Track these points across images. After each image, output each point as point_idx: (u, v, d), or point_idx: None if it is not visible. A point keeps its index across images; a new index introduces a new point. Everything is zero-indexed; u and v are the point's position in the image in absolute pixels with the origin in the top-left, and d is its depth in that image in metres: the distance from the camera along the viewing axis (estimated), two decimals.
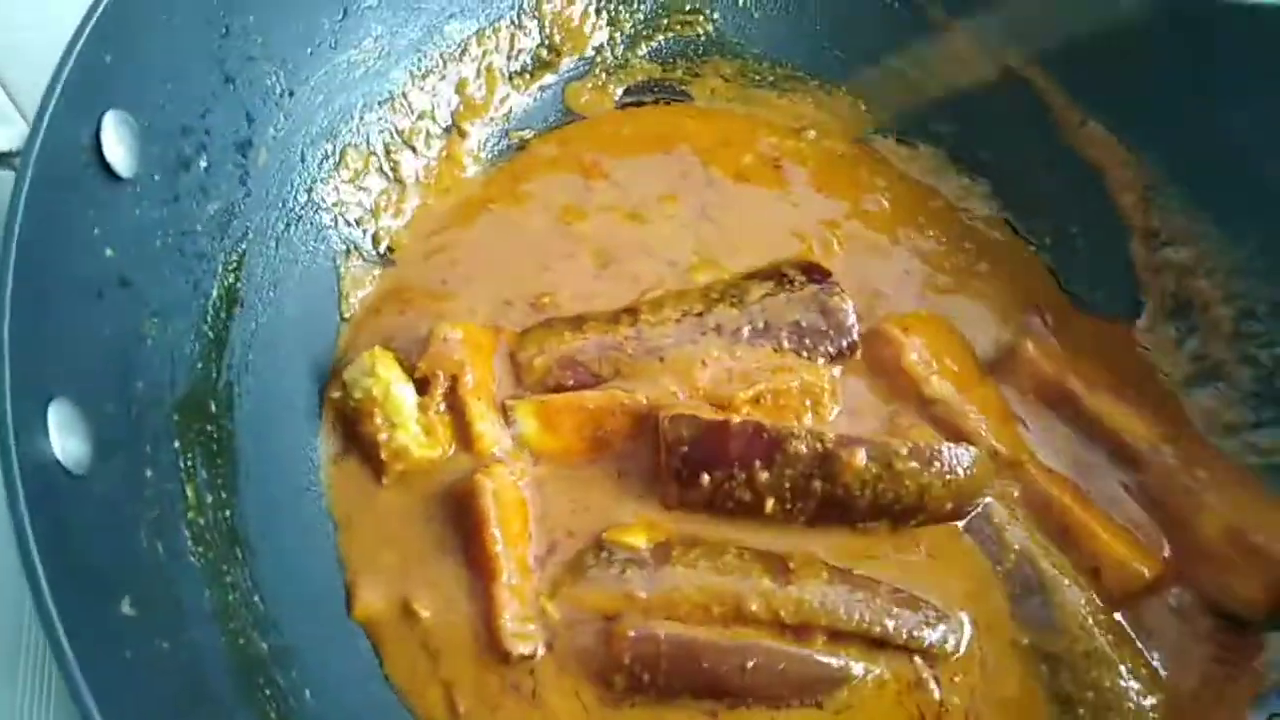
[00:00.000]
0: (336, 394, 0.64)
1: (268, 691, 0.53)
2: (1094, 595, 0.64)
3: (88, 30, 0.51)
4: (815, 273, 0.71)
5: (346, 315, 0.69)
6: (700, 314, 0.69)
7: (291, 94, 0.66)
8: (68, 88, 0.49)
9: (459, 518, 0.63)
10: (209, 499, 0.56)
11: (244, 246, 0.63)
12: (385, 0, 0.70)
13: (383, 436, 0.63)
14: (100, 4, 0.51)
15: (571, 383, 0.67)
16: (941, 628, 0.62)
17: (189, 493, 0.55)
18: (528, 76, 0.79)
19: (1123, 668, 0.62)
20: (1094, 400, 0.68)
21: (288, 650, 0.56)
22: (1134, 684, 0.61)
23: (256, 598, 0.56)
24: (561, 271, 0.72)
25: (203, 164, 0.60)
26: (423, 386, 0.64)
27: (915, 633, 0.61)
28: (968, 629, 0.63)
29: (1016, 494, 0.67)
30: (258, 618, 0.55)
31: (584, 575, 0.62)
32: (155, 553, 0.50)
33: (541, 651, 0.60)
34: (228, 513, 0.57)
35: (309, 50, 0.67)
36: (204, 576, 0.53)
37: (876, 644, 0.61)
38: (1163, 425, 0.67)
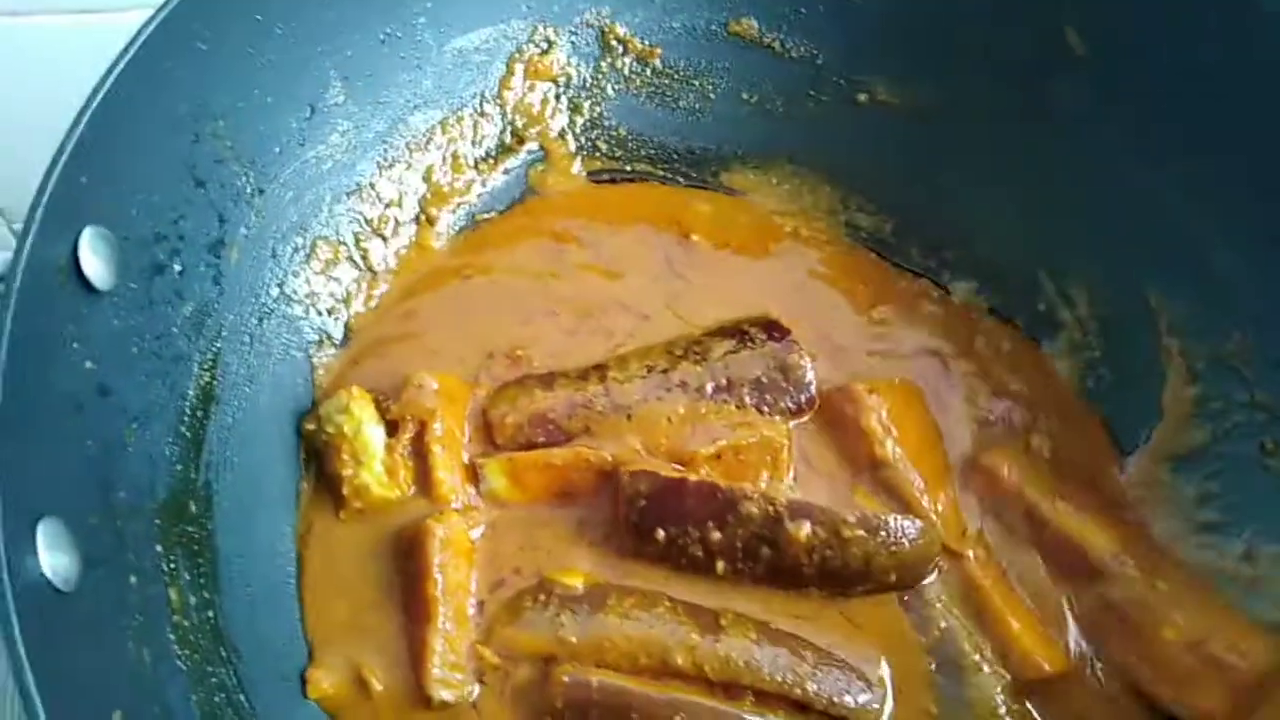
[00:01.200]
0: (310, 426, 0.68)
1: None
2: (1009, 683, 0.66)
3: (65, 154, 0.52)
4: (775, 330, 0.74)
5: (319, 401, 0.71)
6: (665, 370, 0.72)
7: (262, 192, 0.68)
8: (46, 211, 0.51)
9: (406, 561, 0.65)
10: (192, 600, 0.57)
11: (219, 344, 0.65)
12: (351, 96, 0.72)
13: (347, 472, 0.66)
14: (76, 129, 0.53)
15: (542, 439, 0.69)
16: (864, 695, 0.64)
17: (173, 595, 0.56)
18: (492, 161, 0.81)
19: None
20: (1053, 510, 0.70)
21: None
22: None
23: (242, 696, 0.57)
24: (537, 327, 0.75)
25: (177, 268, 0.62)
26: (392, 429, 0.67)
27: (837, 699, 0.63)
28: (890, 700, 0.65)
29: (945, 568, 0.69)
30: (243, 716, 0.57)
31: (520, 616, 0.65)
32: (142, 661, 0.51)
33: (475, 694, 0.63)
34: (211, 613, 0.58)
35: (278, 149, 0.69)
36: (190, 680, 0.54)
37: (801, 708, 0.63)
38: (1123, 535, 0.69)
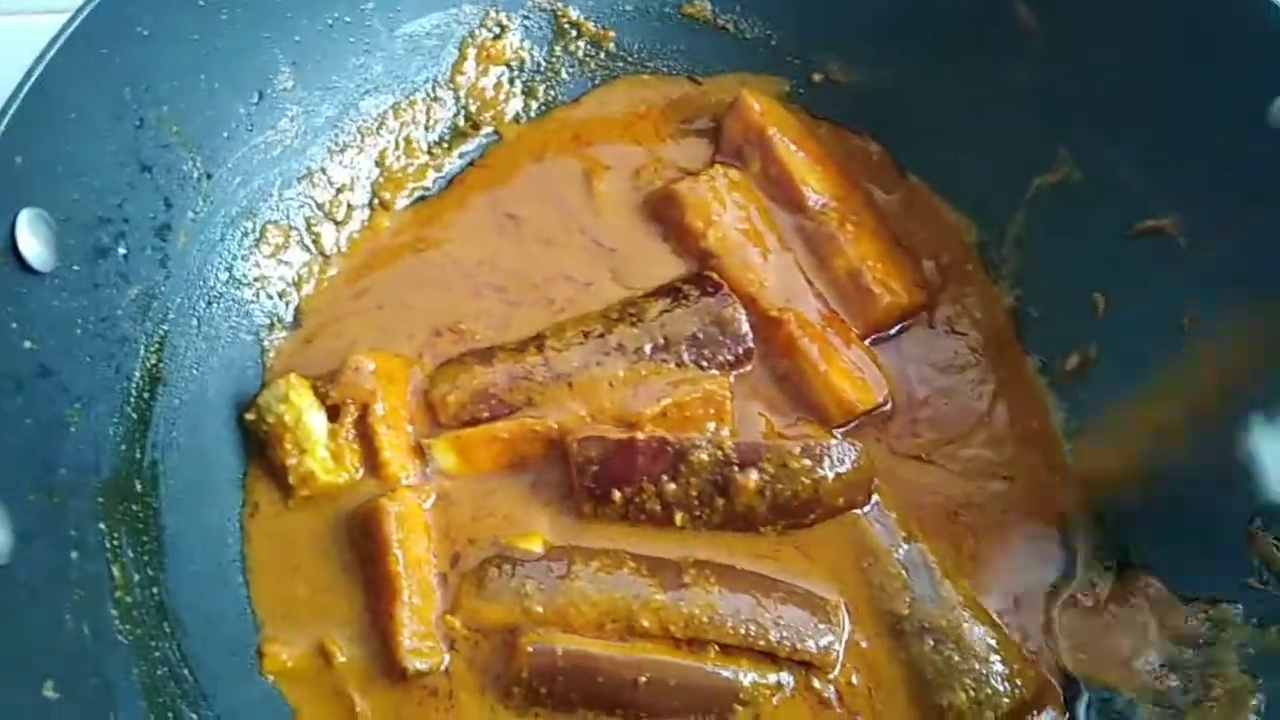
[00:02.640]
0: (251, 416, 0.68)
1: None
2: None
3: None
4: (708, 285, 0.75)
5: (268, 383, 0.71)
6: (602, 335, 0.73)
7: (209, 177, 0.69)
8: None
9: (363, 540, 0.66)
10: (136, 577, 0.58)
11: (165, 327, 0.65)
12: (300, 81, 0.73)
13: (291, 461, 0.66)
14: (9, 109, 0.54)
15: (486, 415, 0.70)
16: (825, 638, 0.65)
17: (115, 572, 0.57)
18: (446, 145, 0.82)
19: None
20: (786, 152, 0.80)
21: None
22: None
23: (185, 670, 0.58)
24: (483, 300, 0.76)
25: (121, 251, 0.62)
26: (334, 414, 0.68)
27: (800, 644, 0.64)
28: (846, 624, 0.67)
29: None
30: (187, 690, 0.57)
31: (485, 588, 0.66)
32: (80, 634, 0.52)
33: (446, 662, 0.64)
34: (155, 589, 0.59)
35: (225, 134, 0.69)
36: (132, 654, 0.55)
37: (765, 655, 0.64)
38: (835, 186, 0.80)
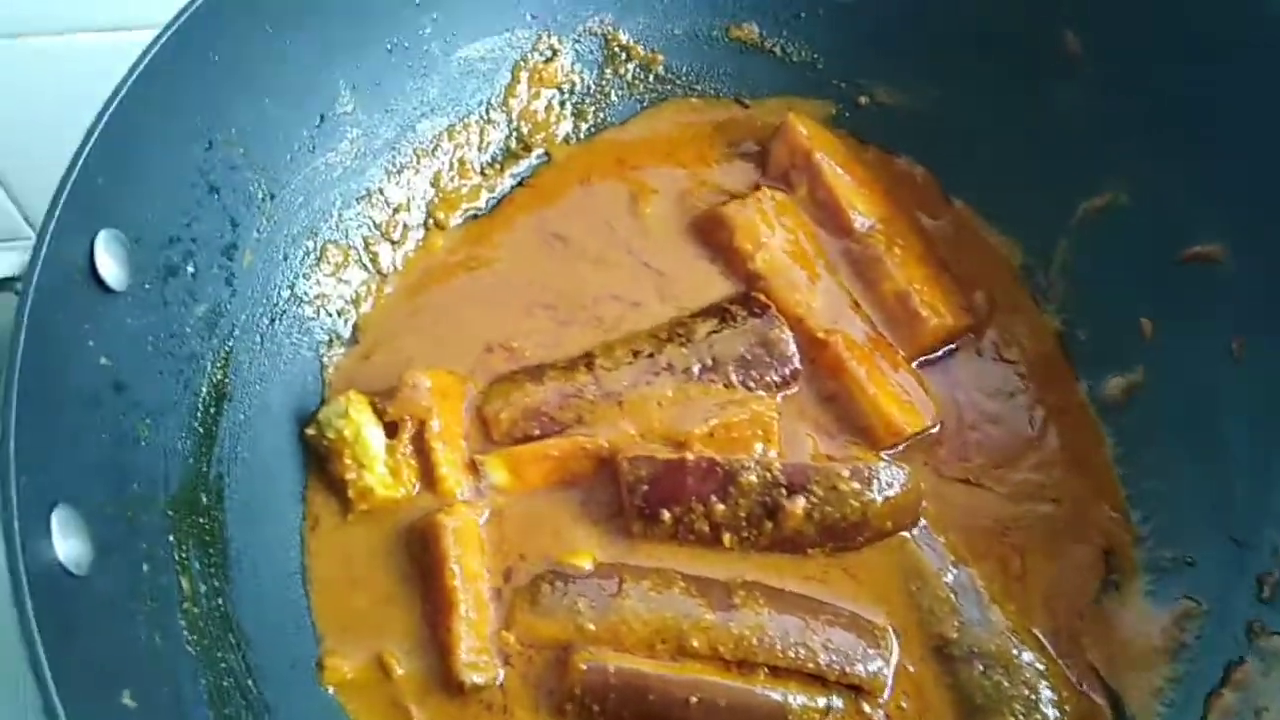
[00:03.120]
0: (311, 431, 0.69)
1: None
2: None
3: (82, 157, 0.55)
4: (755, 306, 0.76)
5: (328, 399, 0.73)
6: (651, 355, 0.74)
7: (273, 197, 0.70)
8: (64, 213, 0.53)
9: (421, 555, 0.67)
10: (203, 588, 0.59)
11: (231, 343, 0.67)
12: (360, 105, 0.75)
13: (350, 476, 0.68)
14: (94, 132, 0.56)
15: (537, 432, 0.71)
16: (875, 664, 0.65)
17: (184, 584, 0.58)
18: (498, 166, 0.83)
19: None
20: (833, 176, 0.81)
21: None
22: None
23: (250, 681, 0.59)
24: (534, 319, 0.77)
25: (190, 270, 0.64)
26: (392, 430, 0.69)
27: (849, 669, 0.64)
28: (895, 648, 0.67)
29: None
30: (251, 701, 0.58)
31: (538, 604, 0.67)
32: (153, 644, 0.54)
33: (501, 677, 0.65)
34: (220, 600, 0.60)
35: (289, 156, 0.71)
36: (200, 664, 0.56)
37: (814, 679, 0.64)
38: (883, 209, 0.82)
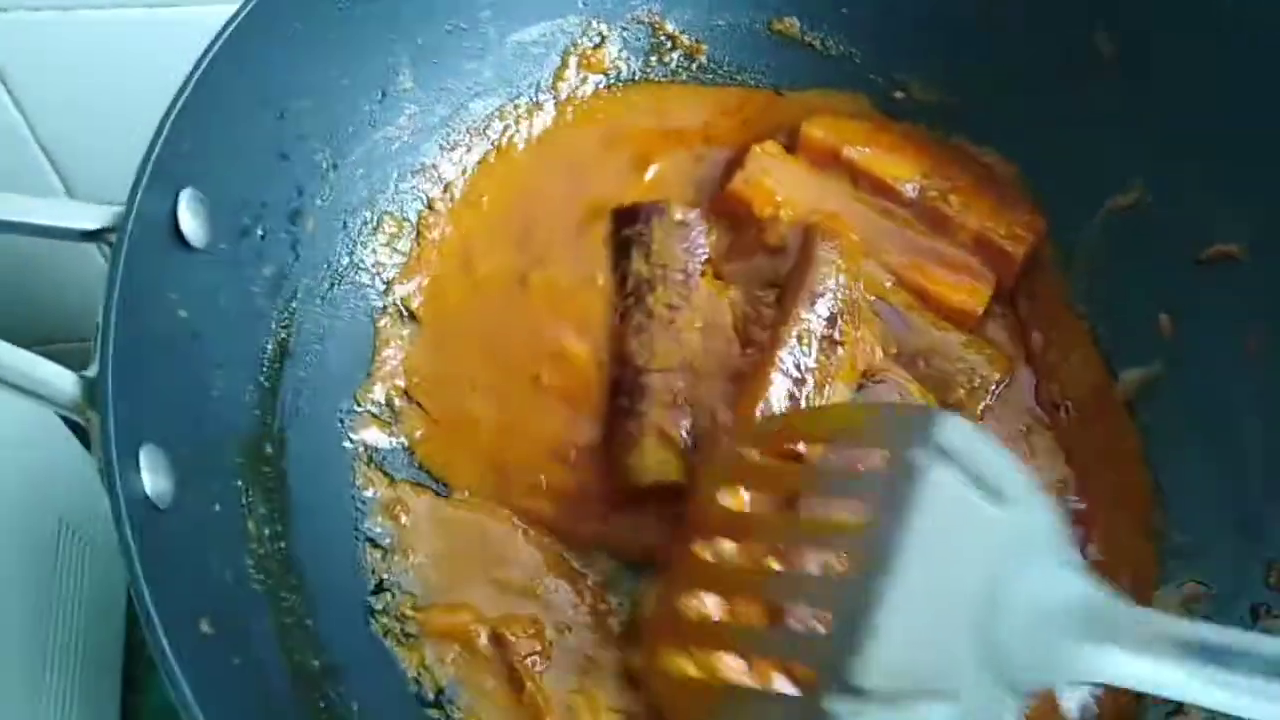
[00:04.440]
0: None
1: (321, 704, 0.59)
2: None
3: (170, 119, 0.58)
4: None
5: (374, 370, 0.76)
6: None
7: (336, 167, 0.74)
8: (153, 172, 0.56)
9: None
10: (266, 532, 0.63)
11: (294, 305, 0.70)
12: (418, 83, 0.78)
13: None
14: (181, 96, 0.59)
15: None
16: None
17: (250, 526, 0.61)
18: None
19: None
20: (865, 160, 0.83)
21: (336, 668, 0.62)
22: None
23: (309, 620, 0.62)
24: None
25: (259, 232, 0.67)
26: None
27: None
28: None
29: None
30: (309, 638, 0.62)
31: None
32: (224, 579, 0.57)
33: None
34: (283, 544, 0.63)
35: (351, 128, 0.74)
36: (265, 601, 0.60)
37: None
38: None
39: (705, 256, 0.79)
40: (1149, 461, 0.77)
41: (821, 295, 0.74)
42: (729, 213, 0.83)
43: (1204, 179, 0.77)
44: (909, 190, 0.83)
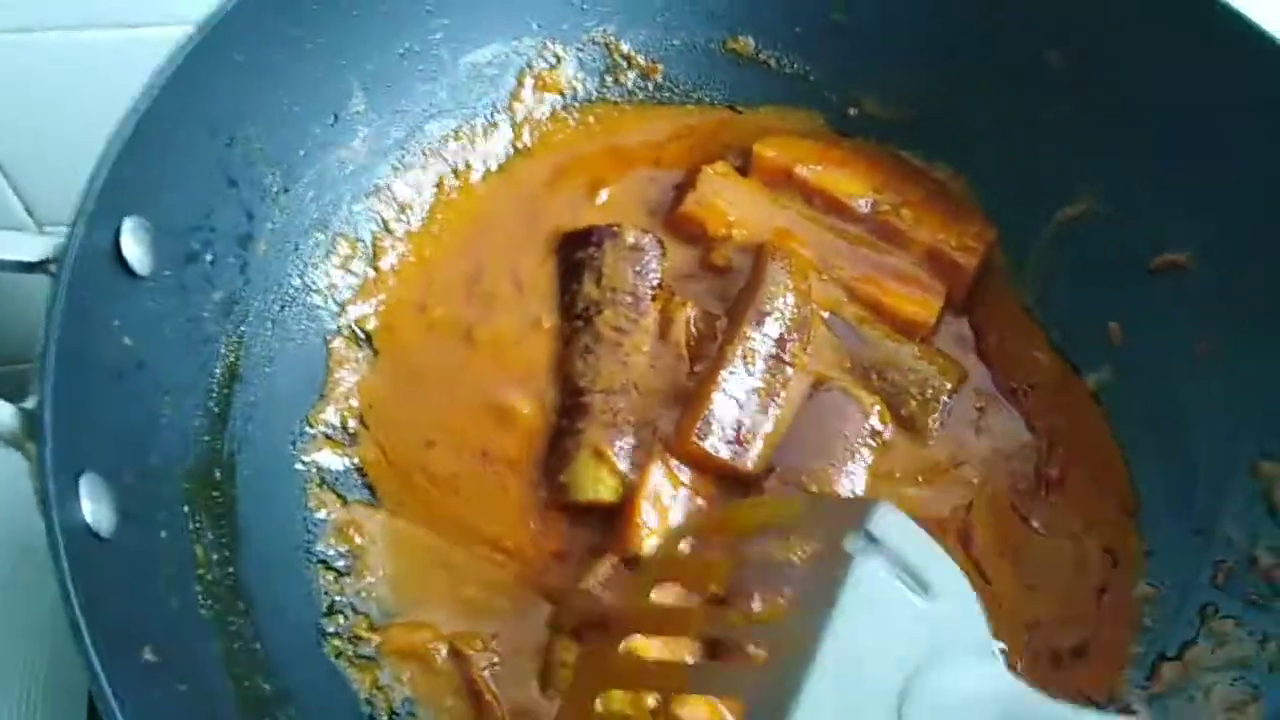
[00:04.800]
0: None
1: None
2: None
3: (115, 149, 0.58)
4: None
5: (327, 392, 0.76)
6: None
7: (287, 191, 0.74)
8: (96, 202, 0.56)
9: None
10: (215, 557, 0.63)
11: (244, 328, 0.70)
12: (371, 105, 0.78)
13: None
14: (124, 128, 0.59)
15: None
16: None
17: (198, 552, 0.61)
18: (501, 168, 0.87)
19: None
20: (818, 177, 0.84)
21: (287, 692, 0.62)
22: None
23: (257, 645, 0.62)
24: None
25: (208, 258, 0.67)
26: None
27: None
28: None
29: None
30: (259, 663, 0.62)
31: None
32: (170, 606, 0.57)
33: None
34: (232, 570, 0.64)
35: (303, 152, 0.75)
36: (212, 627, 0.60)
37: None
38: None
39: (656, 281, 0.79)
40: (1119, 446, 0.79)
41: (769, 314, 0.75)
42: (683, 233, 0.84)
43: (1152, 190, 0.79)
44: (862, 206, 0.84)
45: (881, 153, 0.88)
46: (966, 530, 0.74)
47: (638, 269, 0.79)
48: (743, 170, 0.86)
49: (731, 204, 0.83)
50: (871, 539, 0.50)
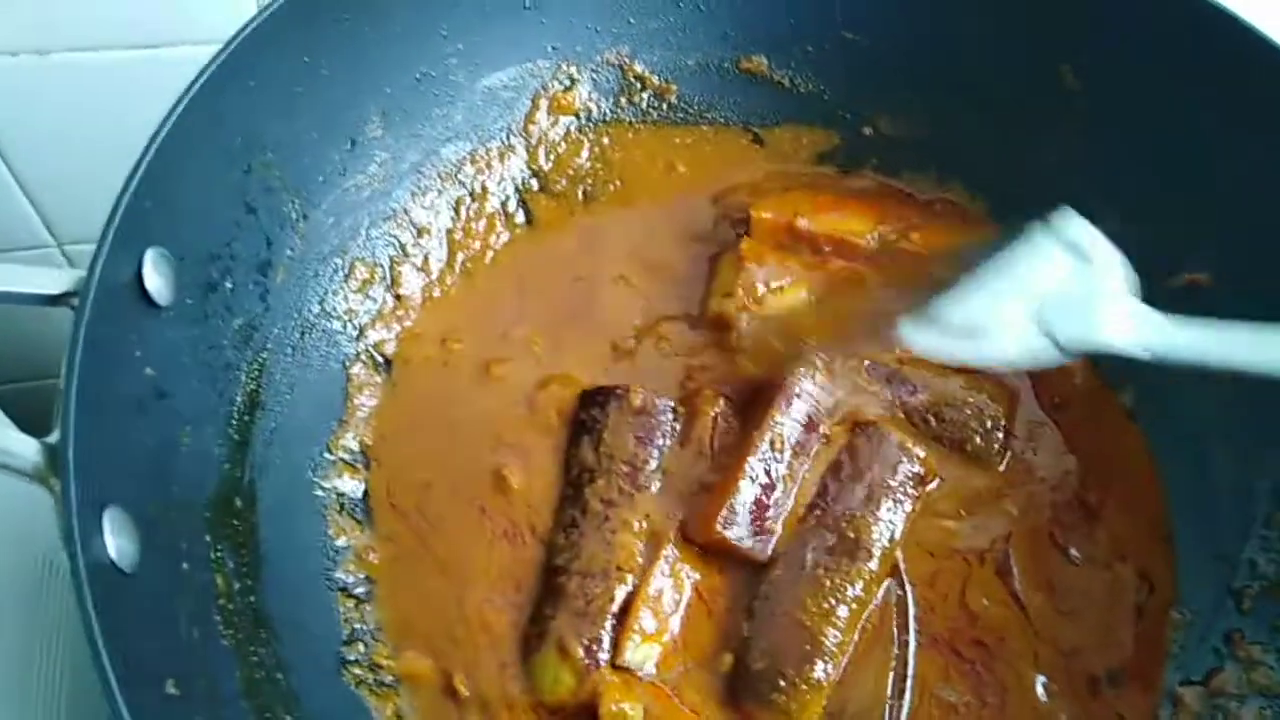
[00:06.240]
0: None
1: None
2: None
3: (134, 181, 0.58)
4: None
5: (346, 418, 0.76)
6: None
7: (306, 218, 0.74)
8: (116, 235, 0.57)
9: None
10: (236, 586, 0.63)
11: (264, 355, 0.71)
12: (388, 130, 0.79)
13: None
14: (145, 158, 0.59)
15: None
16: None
17: (219, 581, 0.62)
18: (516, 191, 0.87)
19: None
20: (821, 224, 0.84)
21: None
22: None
23: (279, 675, 0.62)
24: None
25: (228, 286, 0.68)
26: None
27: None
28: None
29: None
30: (280, 693, 0.62)
31: None
32: (192, 638, 0.57)
33: None
34: (253, 598, 0.64)
35: (321, 178, 0.75)
36: (234, 658, 0.60)
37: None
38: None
39: (663, 449, 0.74)
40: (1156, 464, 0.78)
41: (798, 397, 0.74)
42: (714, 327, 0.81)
43: (1171, 209, 0.78)
44: (870, 241, 0.84)
45: (871, 186, 0.88)
46: (1005, 562, 0.74)
47: (641, 435, 0.73)
48: (744, 234, 0.85)
49: (754, 283, 0.81)
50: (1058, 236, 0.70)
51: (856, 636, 0.68)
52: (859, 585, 0.69)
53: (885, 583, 0.71)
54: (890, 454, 0.73)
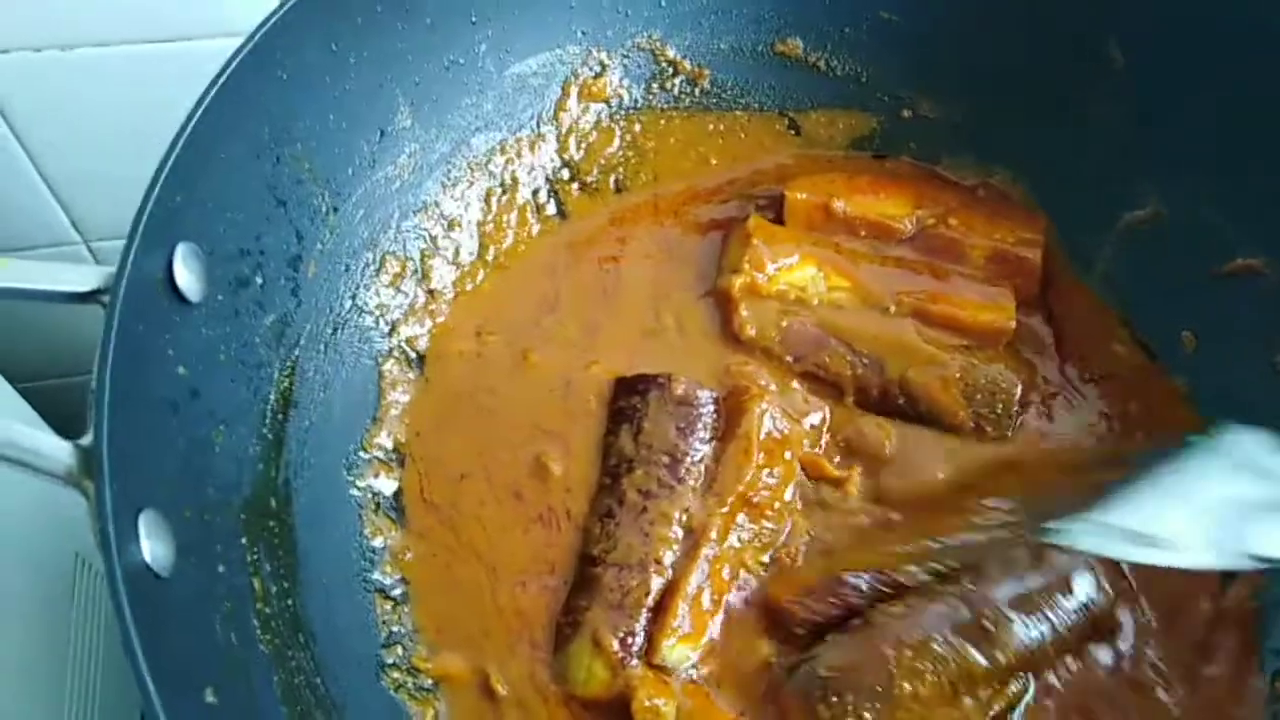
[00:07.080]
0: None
1: None
2: None
3: (163, 176, 0.57)
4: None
5: (380, 415, 0.75)
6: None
7: (336, 210, 0.73)
8: (146, 230, 0.55)
9: None
10: (274, 589, 0.61)
11: (297, 352, 0.69)
12: (418, 120, 0.77)
13: None
14: (173, 152, 0.57)
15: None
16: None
17: (256, 585, 0.60)
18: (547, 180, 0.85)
19: None
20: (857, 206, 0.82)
21: None
22: None
23: (318, 679, 0.61)
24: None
25: (259, 281, 0.66)
26: None
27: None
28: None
29: None
30: (319, 698, 0.60)
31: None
32: (230, 643, 0.56)
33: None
34: (290, 601, 0.62)
35: (350, 170, 0.73)
36: (272, 662, 0.58)
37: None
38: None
39: (705, 439, 0.72)
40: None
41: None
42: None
43: (1220, 193, 0.76)
44: (907, 225, 0.82)
45: (909, 170, 0.86)
46: None
47: (682, 425, 0.71)
48: (777, 218, 0.83)
49: (770, 262, 0.79)
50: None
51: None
52: (963, 670, 0.64)
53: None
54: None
